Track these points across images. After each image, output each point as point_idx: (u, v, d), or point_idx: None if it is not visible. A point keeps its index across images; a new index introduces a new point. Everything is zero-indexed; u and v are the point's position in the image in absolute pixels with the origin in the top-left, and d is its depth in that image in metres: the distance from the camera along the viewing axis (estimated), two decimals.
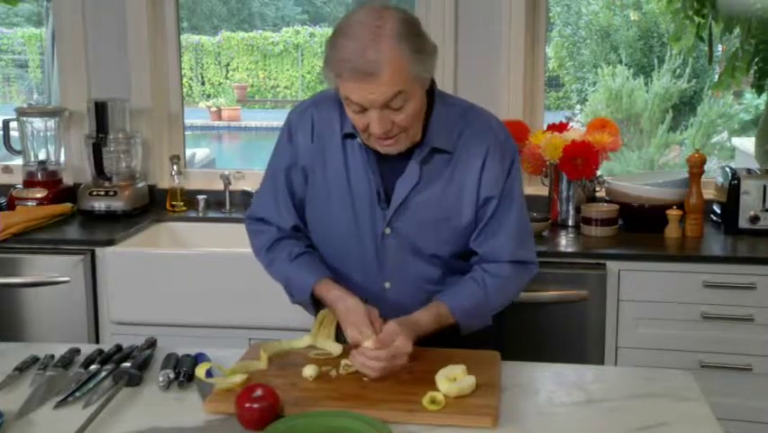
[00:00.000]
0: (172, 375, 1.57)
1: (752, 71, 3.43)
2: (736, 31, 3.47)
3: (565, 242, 2.68)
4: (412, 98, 1.55)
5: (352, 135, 1.68)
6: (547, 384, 1.59)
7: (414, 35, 1.53)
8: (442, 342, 1.66)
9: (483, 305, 1.69)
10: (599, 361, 2.51)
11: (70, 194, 3.13)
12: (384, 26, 1.49)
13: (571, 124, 2.94)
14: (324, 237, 1.76)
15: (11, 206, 3.05)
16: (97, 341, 2.70)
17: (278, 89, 13.86)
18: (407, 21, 1.53)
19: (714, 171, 3.11)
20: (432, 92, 1.65)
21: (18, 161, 3.28)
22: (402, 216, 1.67)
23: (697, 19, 3.50)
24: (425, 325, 1.62)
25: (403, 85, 1.51)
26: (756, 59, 3.41)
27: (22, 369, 1.62)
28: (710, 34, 3.52)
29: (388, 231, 1.68)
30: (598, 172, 2.86)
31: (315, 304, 1.71)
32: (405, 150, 1.63)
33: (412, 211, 1.67)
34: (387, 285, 1.72)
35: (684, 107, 8.13)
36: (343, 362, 1.57)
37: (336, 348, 1.65)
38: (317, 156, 1.71)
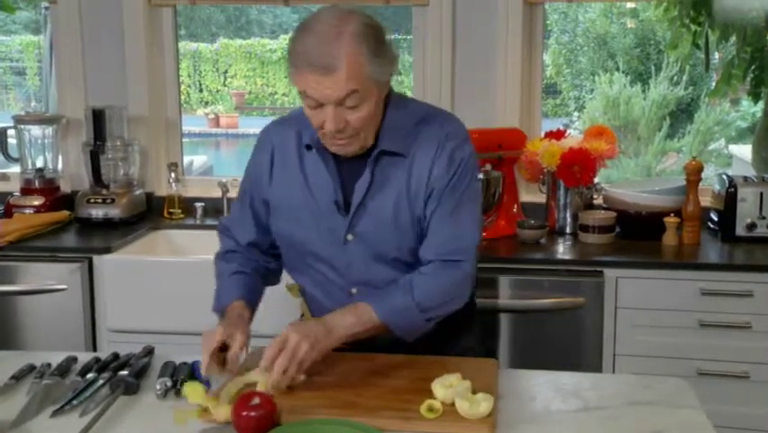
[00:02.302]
0: (169, 383, 1.57)
1: (748, 79, 3.44)
2: (732, 39, 3.49)
3: (562, 249, 2.69)
4: (367, 100, 1.58)
5: (310, 147, 1.71)
6: (544, 392, 1.59)
7: (374, 38, 1.57)
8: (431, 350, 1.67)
9: (409, 304, 1.63)
10: (597, 368, 2.51)
11: (68, 201, 3.12)
12: (346, 25, 1.54)
13: (568, 132, 2.94)
14: (291, 248, 1.78)
15: (8, 213, 3.04)
16: (94, 349, 2.69)
17: (275, 96, 13.86)
18: (370, 25, 1.58)
19: (711, 179, 3.11)
20: (386, 97, 1.68)
21: (15, 169, 3.28)
22: (362, 221, 1.69)
23: (693, 27, 3.52)
24: (343, 325, 1.59)
25: (358, 84, 1.54)
26: (753, 67, 3.43)
27: (18, 377, 1.62)
28: (707, 42, 3.54)
29: (350, 237, 1.70)
30: (596, 180, 2.87)
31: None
32: (359, 153, 1.66)
33: (370, 214, 1.69)
34: (353, 291, 1.73)
35: (681, 115, 8.14)
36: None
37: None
38: (277, 173, 1.76)
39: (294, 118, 1.78)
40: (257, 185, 1.80)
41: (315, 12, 1.61)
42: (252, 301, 1.77)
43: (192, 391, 1.46)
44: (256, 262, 1.84)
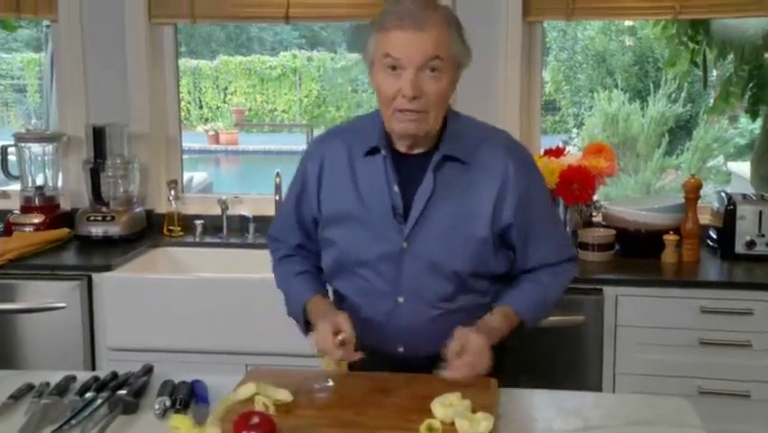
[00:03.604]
0: (168, 402, 1.56)
1: (746, 97, 3.46)
2: (730, 57, 3.51)
3: None
4: (445, 75, 1.63)
5: (375, 150, 1.72)
6: (544, 411, 1.59)
7: (459, 25, 1.68)
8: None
9: (543, 301, 1.79)
10: (597, 387, 2.50)
11: (68, 219, 3.12)
12: (436, 6, 1.65)
13: (567, 149, 2.95)
14: (339, 256, 1.78)
15: (8, 231, 3.04)
16: (93, 367, 2.68)
17: (275, 113, 13.91)
18: (455, 16, 1.69)
19: (710, 196, 3.12)
20: None
21: (15, 187, 3.28)
22: (420, 230, 1.69)
23: (691, 45, 3.54)
24: (498, 326, 1.70)
25: (444, 52, 1.61)
26: (750, 85, 3.45)
27: (17, 397, 1.61)
28: (705, 60, 3.56)
29: (405, 245, 1.70)
30: (595, 197, 2.87)
31: (307, 321, 1.79)
32: (420, 134, 1.67)
33: (430, 223, 1.69)
34: (400, 300, 1.73)
35: (680, 132, 8.18)
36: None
37: (286, 395, 1.55)
38: (327, 183, 1.78)
39: (344, 131, 1.84)
40: (304, 193, 1.82)
41: None
42: (326, 294, 1.81)
43: (179, 423, 1.44)
44: (312, 261, 1.86)
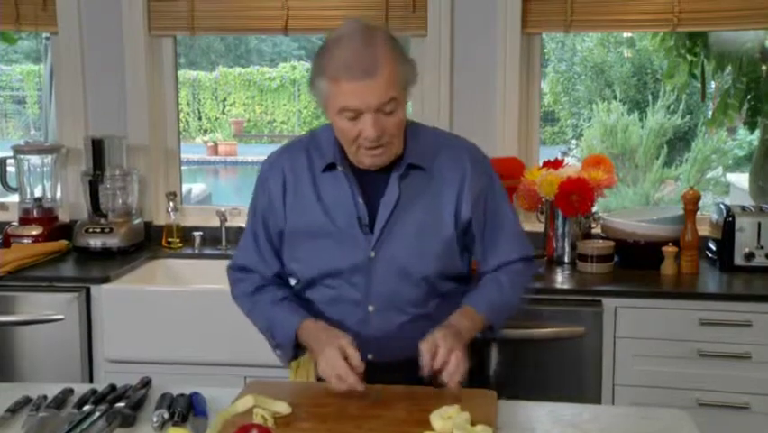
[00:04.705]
0: (166, 415, 1.56)
1: (744, 108, 3.47)
2: (728, 68, 3.52)
3: (561, 278, 2.68)
4: (401, 105, 1.65)
5: (333, 166, 1.74)
6: (543, 423, 1.58)
7: (400, 45, 1.66)
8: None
9: (504, 301, 1.79)
10: (596, 398, 2.50)
11: (66, 231, 3.12)
12: (376, 34, 1.62)
13: (566, 160, 2.95)
14: (307, 270, 1.78)
15: (6, 243, 3.04)
16: (91, 379, 2.67)
17: (274, 124, 13.93)
18: (392, 35, 1.66)
19: (709, 207, 3.12)
20: None
21: (14, 198, 3.28)
22: (387, 238, 1.71)
23: (689, 57, 3.56)
24: (465, 328, 1.69)
25: (396, 90, 1.61)
26: (749, 97, 3.45)
27: (14, 410, 1.60)
28: (703, 72, 3.57)
29: (373, 255, 1.71)
30: (594, 209, 2.87)
31: (296, 346, 1.75)
32: (387, 164, 1.70)
33: (396, 231, 1.72)
34: (371, 308, 1.74)
35: (679, 143, 8.18)
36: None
37: (284, 408, 1.55)
38: (290, 199, 1.77)
39: (300, 143, 1.82)
40: (272, 215, 1.79)
41: (335, 30, 1.66)
42: (314, 318, 1.75)
43: None
44: (288, 290, 1.83)
